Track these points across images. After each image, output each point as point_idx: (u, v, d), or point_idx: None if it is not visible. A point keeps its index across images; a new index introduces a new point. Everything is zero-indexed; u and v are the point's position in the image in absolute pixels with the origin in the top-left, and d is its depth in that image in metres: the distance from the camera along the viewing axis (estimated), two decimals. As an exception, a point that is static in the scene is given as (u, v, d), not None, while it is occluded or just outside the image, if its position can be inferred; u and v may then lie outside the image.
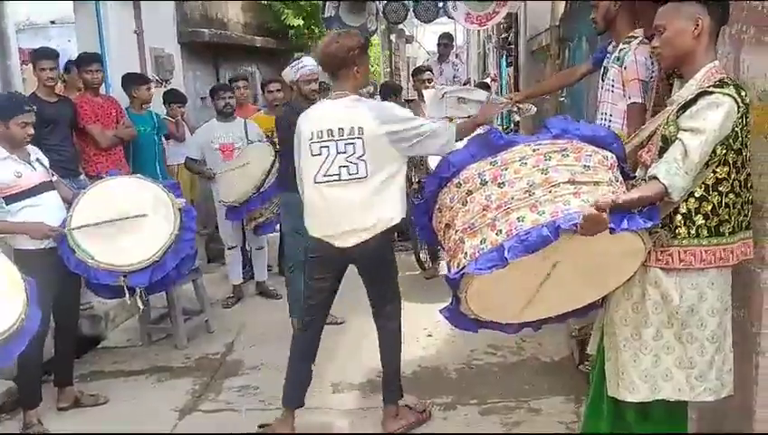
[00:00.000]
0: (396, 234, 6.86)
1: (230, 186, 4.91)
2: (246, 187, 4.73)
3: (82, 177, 4.62)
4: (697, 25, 2.16)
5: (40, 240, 3.31)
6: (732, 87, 2.12)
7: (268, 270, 5.69)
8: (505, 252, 2.05)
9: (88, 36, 5.63)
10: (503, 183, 2.16)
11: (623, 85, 2.86)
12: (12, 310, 2.75)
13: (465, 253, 2.20)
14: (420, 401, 3.44)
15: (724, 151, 2.13)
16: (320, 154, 2.97)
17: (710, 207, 2.18)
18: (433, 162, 5.05)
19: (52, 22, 10.04)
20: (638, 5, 2.91)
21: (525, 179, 2.14)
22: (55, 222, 3.35)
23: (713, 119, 2.07)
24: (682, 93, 2.21)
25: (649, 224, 2.12)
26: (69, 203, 3.49)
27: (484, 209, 2.17)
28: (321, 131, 2.97)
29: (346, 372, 3.84)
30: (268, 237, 5.57)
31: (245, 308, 5.30)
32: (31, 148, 3.44)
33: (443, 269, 5.60)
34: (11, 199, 3.27)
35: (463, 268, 2.18)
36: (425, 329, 4.48)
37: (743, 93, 2.14)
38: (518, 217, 2.10)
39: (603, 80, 3.04)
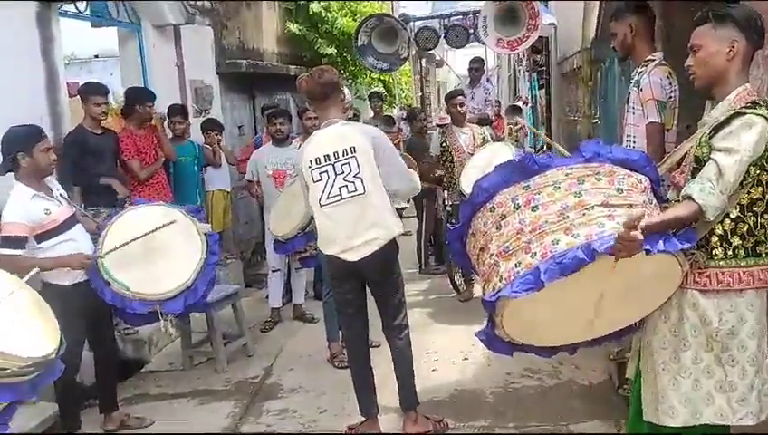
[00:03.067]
0: (432, 257, 6.96)
1: (278, 217, 4.93)
2: (292, 224, 4.70)
3: (128, 204, 4.78)
4: (732, 47, 2.17)
5: (78, 271, 3.36)
6: (764, 108, 2.13)
7: (304, 294, 5.77)
8: (541, 274, 2.05)
9: (132, 69, 5.86)
10: (536, 206, 2.18)
11: (642, 105, 2.91)
12: (46, 336, 2.77)
13: (501, 276, 2.21)
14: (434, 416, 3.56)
15: (758, 172, 2.13)
16: (320, 179, 3.19)
17: (746, 228, 2.18)
18: (465, 185, 5.11)
19: (96, 56, 10.44)
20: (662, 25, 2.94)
21: (559, 203, 2.15)
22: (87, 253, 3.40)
23: (747, 139, 2.07)
24: (713, 114, 2.23)
25: (686, 245, 2.12)
26: (93, 234, 3.54)
27: (518, 233, 2.18)
28: (318, 158, 3.20)
29: (382, 394, 3.83)
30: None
31: (283, 332, 5.38)
32: (52, 183, 3.48)
33: (478, 292, 5.62)
34: (43, 237, 3.28)
35: (499, 291, 2.19)
36: (461, 352, 4.49)
37: None
38: (553, 240, 2.10)
39: (628, 103, 3.09)
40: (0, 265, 3.08)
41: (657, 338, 2.34)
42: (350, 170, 3.16)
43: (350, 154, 3.17)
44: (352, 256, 3.20)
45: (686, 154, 2.30)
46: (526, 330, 2.36)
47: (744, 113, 2.10)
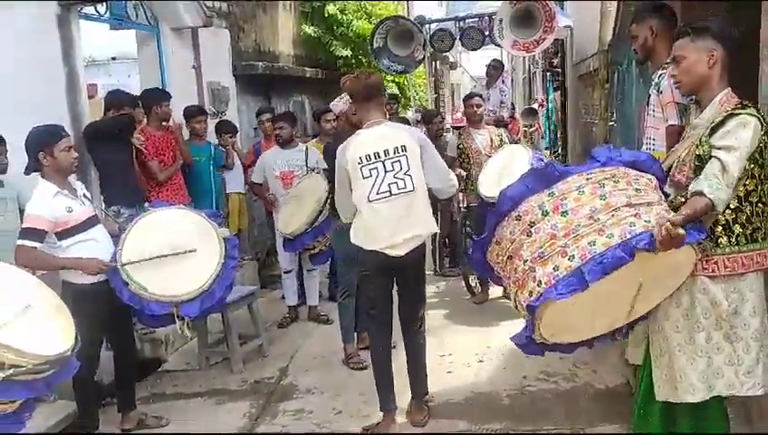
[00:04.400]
0: (447, 259, 6.95)
1: (287, 217, 5.02)
2: (300, 221, 4.83)
3: (147, 205, 4.83)
4: (712, 56, 2.40)
5: (93, 275, 3.38)
6: (753, 109, 2.36)
7: (318, 296, 5.79)
8: (585, 275, 2.18)
9: (150, 71, 5.92)
10: (565, 211, 2.30)
11: (662, 109, 2.94)
12: (62, 334, 2.81)
13: (539, 281, 2.31)
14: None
15: (752, 166, 2.33)
16: (370, 176, 3.29)
17: (745, 217, 2.39)
18: (483, 188, 5.10)
19: (113, 58, 10.59)
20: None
21: (587, 206, 2.29)
22: (105, 255, 3.42)
23: (744, 136, 2.28)
24: (704, 117, 2.43)
25: (703, 235, 2.31)
26: (114, 236, 3.57)
27: (551, 238, 2.30)
28: (369, 155, 3.30)
29: (397, 395, 3.85)
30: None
31: (298, 333, 5.40)
32: (77, 183, 3.54)
33: (493, 295, 5.60)
34: (63, 235, 3.32)
35: (540, 295, 2.29)
36: (476, 354, 4.48)
37: (761, 114, 2.36)
38: (589, 242, 2.23)
39: (648, 105, 3.08)
40: (19, 258, 3.16)
41: (670, 323, 2.50)
42: (401, 168, 3.29)
43: (400, 153, 3.31)
44: (398, 252, 3.31)
45: (682, 154, 2.46)
46: (561, 329, 2.47)
47: (739, 114, 2.32)
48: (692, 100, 2.87)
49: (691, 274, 2.41)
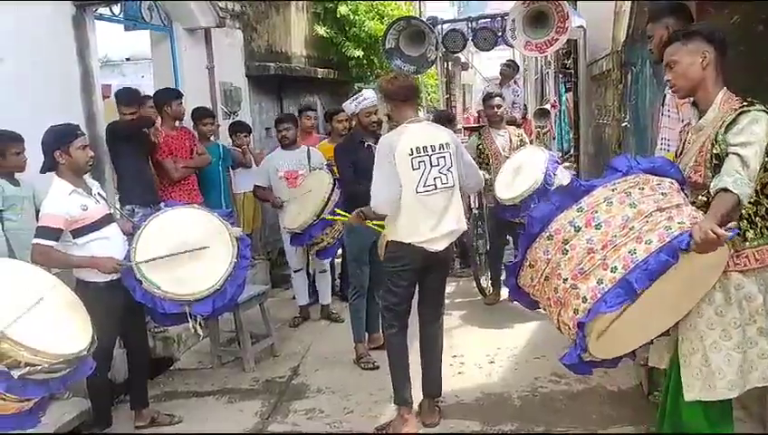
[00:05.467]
0: (458, 260, 6.93)
1: (293, 214, 5.06)
2: (307, 215, 4.85)
3: (162, 204, 4.86)
4: (704, 57, 2.43)
5: (108, 274, 3.40)
6: (760, 104, 2.37)
7: (331, 294, 5.80)
8: (633, 284, 2.17)
9: (164, 71, 5.97)
10: (599, 224, 2.30)
11: (677, 109, 2.93)
12: (78, 333, 2.84)
13: (584, 297, 2.29)
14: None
15: (766, 159, 2.35)
16: (418, 168, 3.39)
17: (765, 209, 2.43)
18: (499, 190, 5.10)
19: (127, 59, 10.65)
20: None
21: (619, 217, 2.28)
22: (119, 253, 3.44)
23: (759, 131, 2.31)
24: (708, 118, 2.45)
25: (737, 231, 2.26)
26: (127, 234, 3.59)
27: (589, 252, 2.28)
28: (419, 148, 3.40)
29: (416, 388, 3.83)
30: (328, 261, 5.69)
31: (310, 332, 5.41)
32: (91, 182, 3.57)
33: (504, 296, 5.58)
34: (78, 233, 3.34)
35: (589, 311, 2.26)
36: (487, 355, 4.48)
37: None
38: (629, 251, 2.22)
39: (663, 106, 3.07)
40: (35, 255, 3.19)
41: (704, 320, 2.47)
42: (445, 164, 3.43)
43: (445, 149, 3.44)
44: (437, 247, 3.43)
45: (691, 157, 2.47)
46: (612, 344, 2.42)
47: (749, 110, 2.34)
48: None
49: (723, 271, 2.42)
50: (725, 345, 2.44)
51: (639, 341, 2.58)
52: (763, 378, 2.47)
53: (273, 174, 5.47)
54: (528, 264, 2.48)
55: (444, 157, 3.43)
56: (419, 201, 3.37)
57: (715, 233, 2.11)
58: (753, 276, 2.44)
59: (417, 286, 3.57)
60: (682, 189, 2.45)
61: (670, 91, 2.71)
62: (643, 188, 2.35)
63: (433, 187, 3.39)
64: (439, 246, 3.44)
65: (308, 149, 5.49)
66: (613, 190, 2.35)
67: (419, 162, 3.37)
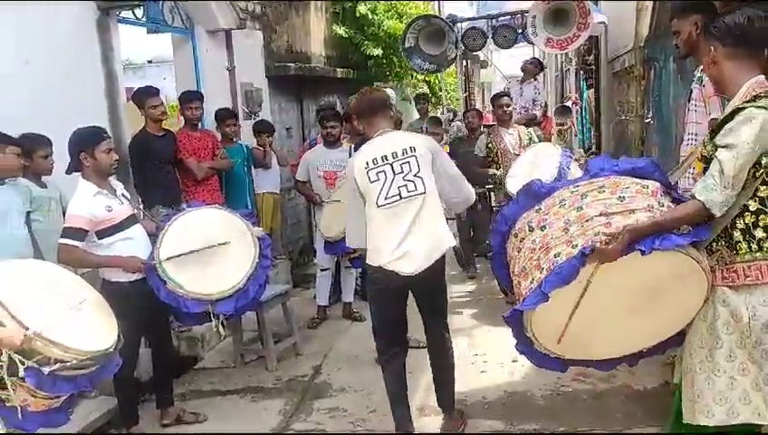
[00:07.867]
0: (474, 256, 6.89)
1: (329, 219, 5.03)
2: (341, 227, 4.66)
3: (184, 205, 4.91)
4: (710, 54, 2.27)
5: (132, 273, 3.44)
6: (766, 99, 2.13)
7: (354, 293, 5.80)
8: (543, 286, 2.20)
9: (185, 73, 6.02)
10: (544, 226, 2.35)
11: (705, 103, 2.88)
12: (105, 331, 2.86)
13: (521, 294, 2.38)
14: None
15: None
16: (377, 180, 3.12)
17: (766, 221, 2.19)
18: (511, 186, 5.07)
19: (149, 61, 10.79)
20: None
21: (563, 219, 2.30)
22: (144, 253, 3.48)
23: (746, 133, 2.09)
24: (726, 111, 2.28)
25: (687, 241, 2.16)
26: (151, 235, 3.63)
27: (531, 252, 2.35)
28: (375, 159, 3.15)
29: (430, 397, 3.85)
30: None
31: (332, 331, 5.43)
32: (116, 183, 3.60)
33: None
34: (103, 234, 3.38)
35: (514, 309, 2.36)
36: (509, 354, 4.42)
37: None
38: (555, 254, 2.25)
39: (689, 101, 3.03)
40: (61, 255, 3.25)
41: (696, 337, 2.33)
42: (410, 170, 3.10)
43: (409, 153, 3.13)
44: (407, 268, 3.08)
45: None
46: (579, 346, 2.44)
47: (745, 108, 2.13)
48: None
49: (713, 285, 2.24)
50: (708, 366, 2.25)
51: (621, 348, 2.50)
52: (756, 414, 2.19)
53: (312, 171, 5.46)
54: (508, 259, 2.56)
55: (408, 162, 3.10)
56: (383, 216, 3.09)
57: (616, 243, 2.10)
58: (743, 294, 2.19)
59: (403, 313, 3.35)
60: (669, 193, 2.33)
61: (696, 85, 2.67)
62: (603, 191, 2.30)
63: (397, 196, 3.08)
64: (409, 268, 3.06)
65: (350, 149, 5.39)
66: (572, 192, 2.35)
67: (377, 173, 3.11)
